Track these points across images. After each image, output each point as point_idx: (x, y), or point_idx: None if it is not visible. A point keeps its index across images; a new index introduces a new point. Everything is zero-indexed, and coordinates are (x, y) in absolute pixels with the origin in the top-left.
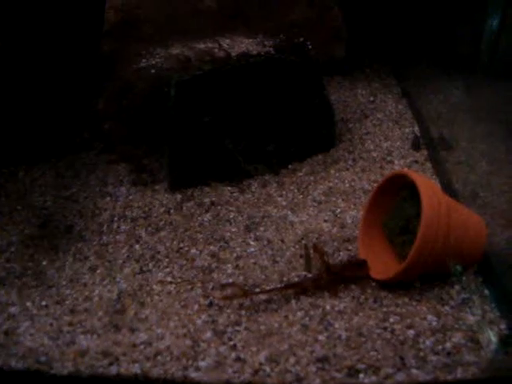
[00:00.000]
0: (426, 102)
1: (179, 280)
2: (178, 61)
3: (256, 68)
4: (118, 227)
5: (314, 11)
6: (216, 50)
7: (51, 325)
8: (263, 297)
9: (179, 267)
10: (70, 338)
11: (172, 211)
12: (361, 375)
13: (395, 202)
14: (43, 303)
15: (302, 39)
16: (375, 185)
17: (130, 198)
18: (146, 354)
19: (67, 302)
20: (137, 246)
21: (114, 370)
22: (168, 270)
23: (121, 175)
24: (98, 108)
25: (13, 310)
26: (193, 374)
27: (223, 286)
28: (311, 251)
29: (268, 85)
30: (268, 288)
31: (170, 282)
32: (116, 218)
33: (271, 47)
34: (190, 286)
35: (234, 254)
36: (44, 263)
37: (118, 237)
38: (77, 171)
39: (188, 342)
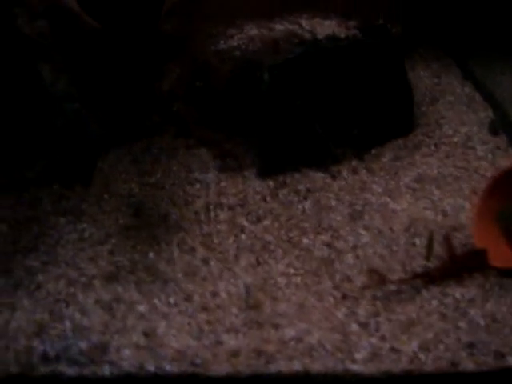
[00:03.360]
0: (497, 84)
1: (302, 272)
2: (264, 43)
3: (345, 51)
4: (217, 216)
5: None
6: (300, 32)
7: (189, 324)
8: (393, 287)
9: (296, 258)
10: (214, 337)
11: (268, 199)
12: (508, 358)
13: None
14: (171, 300)
15: (381, 21)
16: (491, 177)
17: (222, 184)
18: (300, 350)
19: (195, 299)
20: (243, 236)
21: (273, 368)
22: (286, 261)
23: (204, 161)
24: (163, 90)
25: (141, 308)
26: (353, 367)
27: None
28: (435, 241)
29: (354, 68)
30: (401, 277)
31: (295, 274)
32: (212, 207)
33: (354, 29)
34: (317, 279)
35: (350, 244)
36: (151, 255)
37: (219, 226)
38: (155, 156)
39: (337, 335)
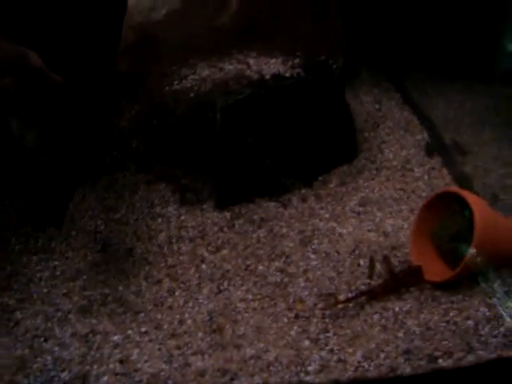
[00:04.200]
0: (431, 107)
1: (259, 297)
2: (216, 84)
3: (290, 89)
4: (179, 248)
5: (319, 24)
6: (249, 72)
7: (159, 350)
8: (340, 305)
9: (253, 284)
10: (183, 360)
11: (225, 229)
12: (439, 360)
13: (443, 214)
14: (142, 329)
15: (323, 57)
16: (425, 198)
17: (182, 218)
18: (259, 367)
19: (164, 327)
20: (204, 266)
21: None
22: (244, 287)
23: (165, 195)
24: (121, 126)
25: (115, 338)
26: (306, 378)
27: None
28: (376, 261)
29: (299, 103)
30: (349, 296)
31: (252, 300)
32: (174, 240)
33: (298, 67)
34: (272, 302)
35: (301, 268)
36: (120, 288)
37: (181, 258)
38: (118, 192)
39: (291, 351)
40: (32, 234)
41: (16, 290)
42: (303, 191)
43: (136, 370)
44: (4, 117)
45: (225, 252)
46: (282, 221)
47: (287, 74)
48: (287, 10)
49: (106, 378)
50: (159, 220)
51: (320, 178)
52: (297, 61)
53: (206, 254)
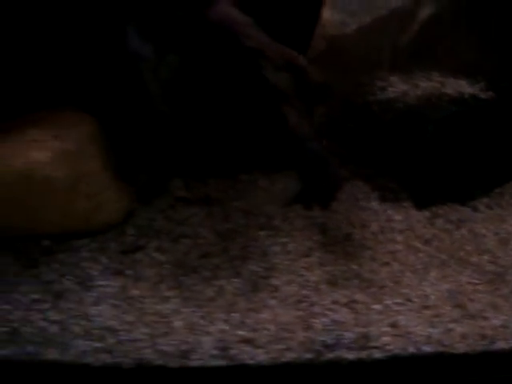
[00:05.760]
0: None
1: (483, 281)
2: (420, 99)
3: (488, 110)
4: (393, 238)
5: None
6: (448, 91)
7: (419, 317)
8: None
9: (472, 271)
10: (444, 326)
11: (428, 226)
12: None
13: None
14: (396, 301)
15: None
16: None
17: (388, 212)
18: (510, 334)
19: (414, 300)
20: (420, 254)
21: (496, 346)
22: (466, 274)
23: (365, 192)
24: None
25: (377, 307)
26: None
27: None
28: None
29: (490, 123)
30: None
31: (477, 284)
32: (386, 230)
33: (487, 90)
34: (495, 286)
35: (509, 262)
36: (354, 267)
37: (397, 246)
38: None
39: None
40: (251, 211)
41: (258, 260)
42: (485, 200)
43: (409, 333)
44: (280, 108)
45: (435, 244)
46: (478, 223)
47: (483, 96)
48: (455, 34)
49: (385, 338)
50: (368, 212)
51: (496, 190)
52: (482, 83)
53: (418, 245)
